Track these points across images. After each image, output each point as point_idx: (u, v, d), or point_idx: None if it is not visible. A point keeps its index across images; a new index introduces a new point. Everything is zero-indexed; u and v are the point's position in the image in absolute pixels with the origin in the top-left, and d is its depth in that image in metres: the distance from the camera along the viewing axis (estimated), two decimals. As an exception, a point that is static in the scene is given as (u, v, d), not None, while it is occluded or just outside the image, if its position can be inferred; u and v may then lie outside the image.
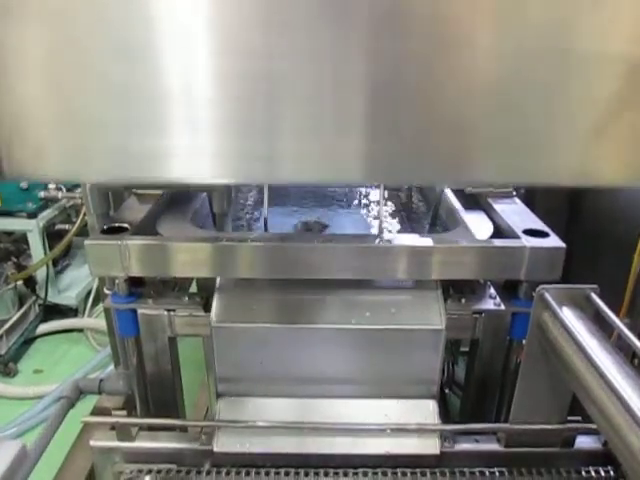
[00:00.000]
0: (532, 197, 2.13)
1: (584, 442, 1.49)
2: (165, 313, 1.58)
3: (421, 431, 1.50)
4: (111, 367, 2.89)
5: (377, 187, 2.35)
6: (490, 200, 1.79)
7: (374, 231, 2.08)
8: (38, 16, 0.76)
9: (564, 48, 0.72)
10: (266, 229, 1.87)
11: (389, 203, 2.37)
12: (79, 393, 1.64)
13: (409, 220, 2.21)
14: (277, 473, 1.44)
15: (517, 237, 1.52)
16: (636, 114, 0.75)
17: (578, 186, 1.00)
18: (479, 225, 1.65)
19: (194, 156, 0.85)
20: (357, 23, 0.76)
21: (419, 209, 2.27)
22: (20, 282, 3.66)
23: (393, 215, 2.27)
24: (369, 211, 2.34)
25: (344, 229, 2.09)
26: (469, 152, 0.86)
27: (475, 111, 0.83)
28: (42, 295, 3.73)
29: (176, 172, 0.86)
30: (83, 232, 3.48)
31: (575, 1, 0.68)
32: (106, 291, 1.60)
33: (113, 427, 1.51)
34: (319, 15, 0.77)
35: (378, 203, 2.32)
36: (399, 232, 2.09)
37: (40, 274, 3.70)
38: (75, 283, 3.94)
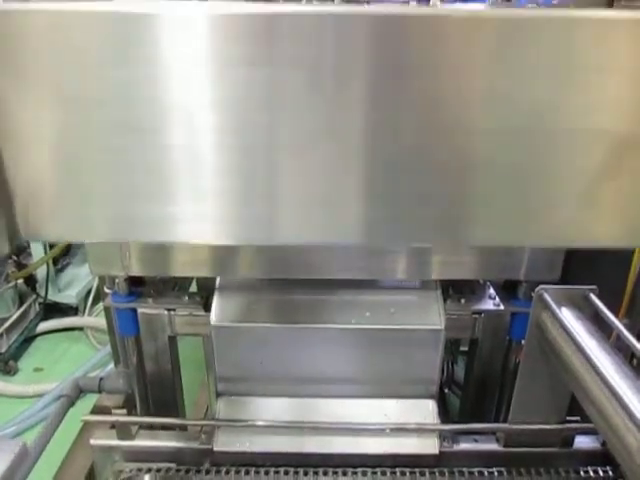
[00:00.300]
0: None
1: (583, 442, 1.50)
2: (165, 312, 1.58)
3: (420, 431, 1.50)
4: (111, 366, 2.89)
5: None
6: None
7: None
8: (52, 96, 0.80)
9: (553, 125, 0.76)
10: None
11: None
12: (79, 392, 1.64)
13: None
14: (277, 472, 1.44)
15: (517, 237, 1.52)
16: (620, 182, 0.79)
17: (572, 248, 1.06)
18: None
19: (197, 221, 0.90)
20: (355, 99, 0.79)
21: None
22: (20, 280, 3.66)
23: None
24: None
25: None
26: (466, 217, 0.89)
27: (471, 180, 0.87)
28: (42, 293, 3.73)
29: (180, 235, 0.91)
30: (83, 231, 3.48)
31: (563, 85, 0.72)
32: (106, 290, 1.61)
33: (113, 426, 1.52)
34: (318, 93, 0.79)
35: None
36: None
37: (40, 272, 3.70)
38: (75, 282, 3.93)
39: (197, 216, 0.89)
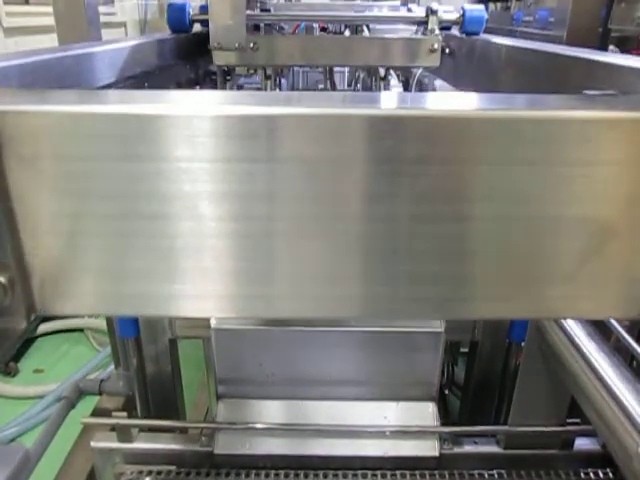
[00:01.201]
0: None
1: (583, 444, 1.50)
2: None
3: (420, 433, 1.50)
4: (111, 368, 2.90)
5: None
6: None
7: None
8: (63, 189, 0.87)
9: (541, 213, 0.83)
10: None
11: None
12: (79, 393, 1.65)
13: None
14: (277, 475, 1.44)
15: (516, 239, 1.52)
16: (604, 262, 0.86)
17: (558, 318, 1.12)
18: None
19: (200, 298, 0.96)
20: (353, 192, 0.84)
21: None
22: (21, 282, 3.66)
23: None
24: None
25: None
26: (462, 295, 0.95)
27: (465, 263, 0.92)
28: (42, 295, 3.73)
29: (184, 310, 0.97)
30: (84, 232, 3.49)
31: (549, 178, 0.79)
32: (107, 292, 1.61)
33: (113, 428, 1.52)
34: (317, 186, 0.84)
35: None
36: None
37: (41, 274, 3.71)
38: (75, 283, 3.94)
39: (199, 294, 0.95)
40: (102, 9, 4.62)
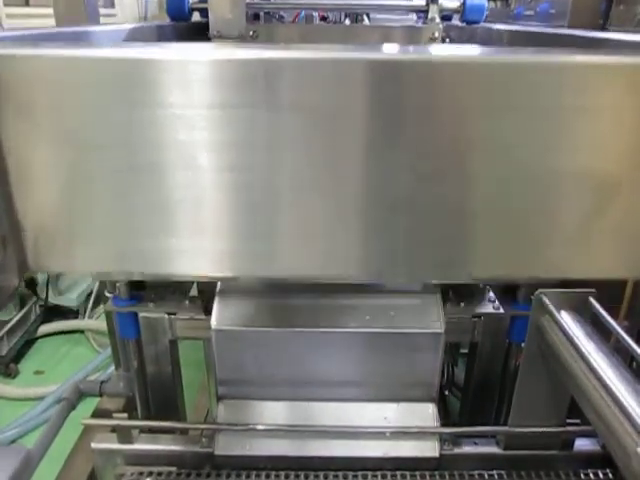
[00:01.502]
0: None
1: (583, 445, 1.50)
2: (166, 316, 1.59)
3: (420, 434, 1.51)
4: (112, 369, 2.90)
5: None
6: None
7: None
8: (58, 139, 0.85)
9: (544, 163, 0.80)
10: None
11: None
12: (80, 395, 1.65)
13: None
14: (277, 476, 1.45)
15: (516, 241, 1.53)
16: (610, 218, 0.83)
17: (568, 279, 1.10)
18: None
19: (198, 255, 0.93)
20: (353, 141, 0.81)
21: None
22: (21, 283, 3.67)
23: None
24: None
25: None
26: (464, 255, 0.92)
27: (468, 220, 0.90)
28: (43, 296, 3.74)
29: (181, 269, 0.95)
30: (84, 234, 3.49)
31: (552, 128, 0.76)
32: (107, 294, 1.61)
33: (114, 429, 1.52)
34: (317, 135, 0.82)
35: None
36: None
37: (41, 275, 3.71)
38: (76, 285, 3.94)
39: (197, 251, 0.92)
40: (102, 11, 4.63)
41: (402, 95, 0.75)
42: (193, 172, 0.85)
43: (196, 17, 2.12)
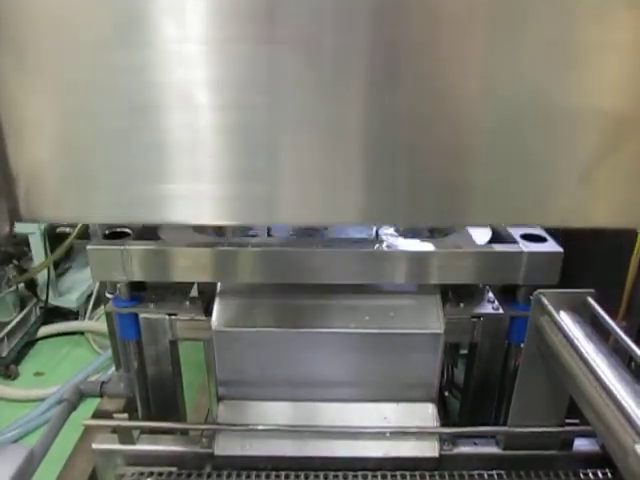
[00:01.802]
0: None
1: (582, 444, 1.51)
2: (166, 317, 1.59)
3: (420, 434, 1.51)
4: (112, 370, 2.90)
5: None
6: (488, 204, 1.80)
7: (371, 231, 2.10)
8: (52, 80, 0.81)
9: (551, 104, 0.77)
10: (269, 232, 1.90)
11: None
12: (80, 396, 1.65)
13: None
14: (277, 476, 1.45)
15: (515, 242, 1.53)
16: (618, 162, 0.79)
17: (569, 227, 1.05)
18: (477, 230, 1.66)
19: (197, 201, 0.89)
20: (354, 78, 0.79)
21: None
22: (21, 285, 3.67)
23: None
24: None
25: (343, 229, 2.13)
26: (462, 196, 0.89)
27: (469, 161, 0.87)
28: (43, 298, 3.74)
29: (179, 215, 0.91)
30: (84, 235, 3.49)
31: (561, 63, 0.72)
32: (108, 295, 1.62)
33: (114, 430, 1.52)
34: (318, 72, 0.80)
35: None
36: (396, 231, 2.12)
37: (41, 277, 3.71)
38: (76, 286, 3.94)
39: (196, 196, 0.88)
40: None
41: (404, 29, 0.73)
42: (191, 113, 0.81)
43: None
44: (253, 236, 2.07)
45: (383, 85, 0.79)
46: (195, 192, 0.88)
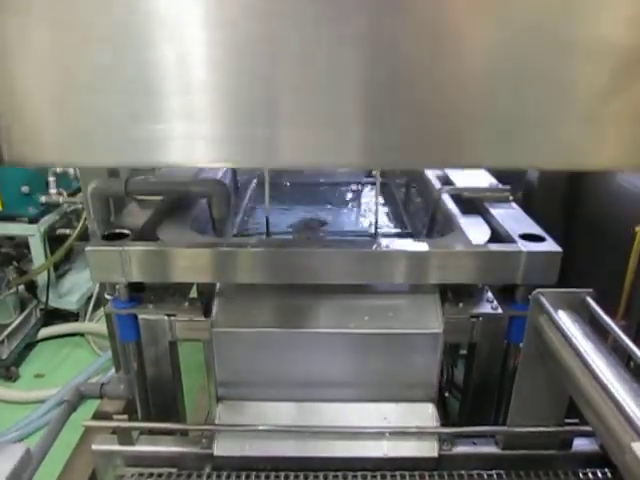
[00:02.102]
0: (530, 201, 2.15)
1: (581, 444, 1.51)
2: (165, 318, 1.59)
3: (420, 434, 1.51)
4: (113, 371, 2.90)
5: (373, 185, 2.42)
6: (487, 205, 1.80)
7: (370, 228, 2.13)
8: (38, 12, 0.78)
9: (558, 35, 0.74)
10: (268, 229, 1.90)
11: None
12: (80, 397, 1.65)
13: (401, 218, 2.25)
14: (277, 477, 1.45)
15: (514, 242, 1.53)
16: (627, 99, 0.76)
17: (574, 170, 1.00)
18: (476, 230, 1.66)
19: (191, 141, 0.84)
20: (355, 10, 0.77)
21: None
22: (21, 287, 3.67)
23: (388, 215, 2.31)
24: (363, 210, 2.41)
25: (341, 225, 2.15)
26: (465, 136, 0.86)
27: (471, 96, 0.84)
28: (43, 300, 3.74)
29: (174, 156, 0.86)
30: (84, 237, 3.49)
31: None
32: (107, 296, 1.62)
33: (114, 431, 1.53)
34: (319, 7, 0.77)
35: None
36: (394, 228, 2.13)
37: (41, 279, 3.71)
38: (76, 287, 3.95)
39: (190, 136, 0.83)
40: None
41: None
42: (183, 47, 0.77)
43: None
44: (252, 234, 2.09)
45: (382, 21, 0.76)
46: (190, 133, 0.83)
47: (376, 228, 1.97)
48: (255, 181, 2.61)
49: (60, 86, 0.82)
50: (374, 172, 2.24)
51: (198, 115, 0.83)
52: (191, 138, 0.85)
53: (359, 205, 2.52)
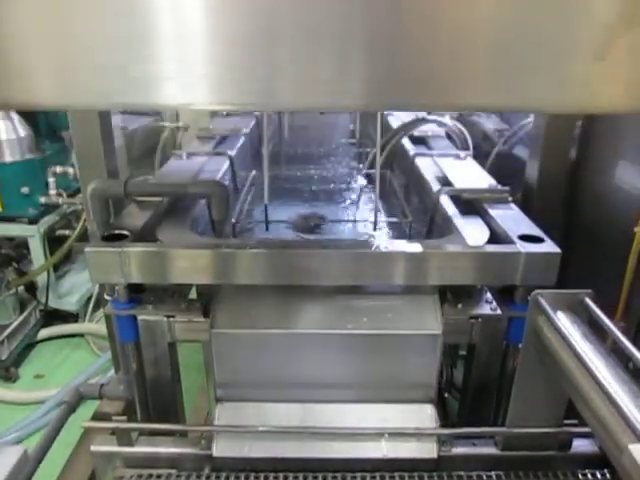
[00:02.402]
0: (529, 202, 2.15)
1: (581, 445, 1.51)
2: (165, 319, 1.59)
3: (419, 435, 1.51)
4: (112, 372, 2.90)
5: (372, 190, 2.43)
6: (486, 206, 1.80)
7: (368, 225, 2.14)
8: None
9: None
10: (267, 226, 1.91)
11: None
12: (80, 398, 1.65)
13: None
14: (276, 477, 1.45)
15: (513, 243, 1.53)
16: (637, 36, 0.73)
17: (584, 112, 0.95)
18: (475, 231, 1.67)
19: (186, 80, 0.80)
20: None
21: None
22: (21, 288, 3.67)
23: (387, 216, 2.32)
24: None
25: (340, 225, 2.17)
26: (467, 75, 0.83)
27: (472, 33, 0.81)
28: (43, 300, 3.74)
29: (168, 97, 0.81)
30: (84, 238, 3.50)
31: None
32: (106, 297, 1.62)
33: (113, 432, 1.53)
34: None
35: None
36: (393, 228, 2.14)
37: (41, 279, 3.71)
38: (76, 288, 3.95)
39: (185, 74, 0.80)
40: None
41: None
42: None
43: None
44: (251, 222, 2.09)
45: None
46: (182, 70, 0.79)
47: (376, 220, 1.98)
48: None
49: (45, 23, 0.77)
50: (373, 171, 2.25)
51: (195, 54, 0.78)
52: (187, 78, 0.80)
53: (357, 205, 2.53)
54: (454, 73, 0.82)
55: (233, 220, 2.01)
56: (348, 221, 2.26)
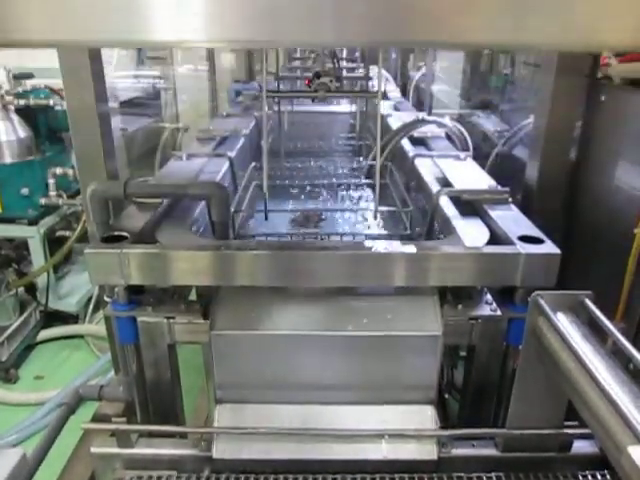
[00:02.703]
0: (529, 203, 2.15)
1: (581, 446, 1.50)
2: (164, 321, 1.59)
3: (419, 437, 1.51)
4: (112, 373, 2.90)
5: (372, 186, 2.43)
6: (486, 207, 1.80)
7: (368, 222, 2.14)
8: None
9: None
10: (266, 215, 1.92)
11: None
12: (79, 399, 1.65)
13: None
14: (276, 479, 1.45)
15: (513, 244, 1.53)
16: None
17: (581, 51, 0.92)
18: (475, 232, 1.67)
19: (181, 14, 0.79)
20: None
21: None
22: (21, 289, 3.67)
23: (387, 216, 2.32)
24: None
25: (338, 221, 2.16)
26: (469, 11, 0.82)
27: None
28: (43, 301, 3.74)
29: (165, 33, 0.79)
30: (84, 239, 3.50)
31: None
32: (106, 299, 1.62)
33: (113, 434, 1.52)
34: None
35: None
36: (393, 229, 2.15)
37: (41, 280, 3.72)
38: (75, 289, 3.95)
39: (180, 7, 0.79)
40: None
41: None
42: None
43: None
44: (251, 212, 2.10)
45: None
46: (181, 7, 0.78)
47: (376, 209, 1.98)
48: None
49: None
50: (373, 171, 2.25)
51: None
52: (179, 11, 0.78)
53: (357, 205, 2.53)
54: (455, 9, 0.80)
55: (232, 209, 2.03)
56: (348, 210, 2.27)
